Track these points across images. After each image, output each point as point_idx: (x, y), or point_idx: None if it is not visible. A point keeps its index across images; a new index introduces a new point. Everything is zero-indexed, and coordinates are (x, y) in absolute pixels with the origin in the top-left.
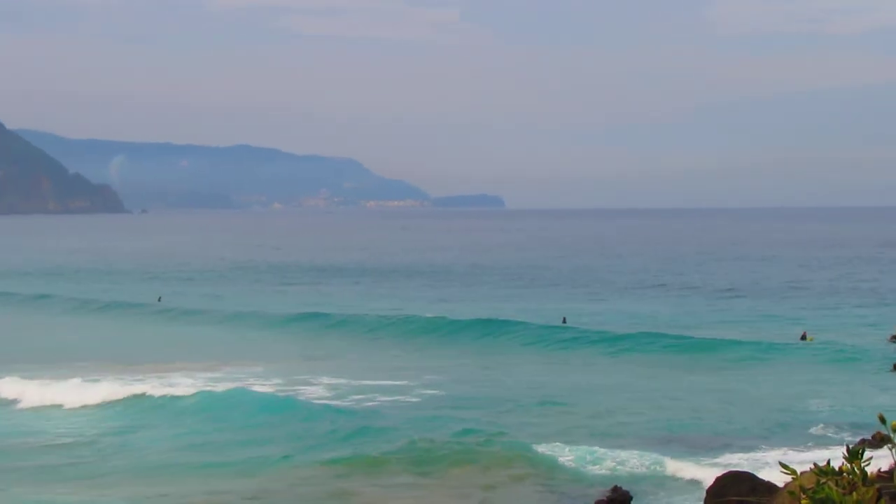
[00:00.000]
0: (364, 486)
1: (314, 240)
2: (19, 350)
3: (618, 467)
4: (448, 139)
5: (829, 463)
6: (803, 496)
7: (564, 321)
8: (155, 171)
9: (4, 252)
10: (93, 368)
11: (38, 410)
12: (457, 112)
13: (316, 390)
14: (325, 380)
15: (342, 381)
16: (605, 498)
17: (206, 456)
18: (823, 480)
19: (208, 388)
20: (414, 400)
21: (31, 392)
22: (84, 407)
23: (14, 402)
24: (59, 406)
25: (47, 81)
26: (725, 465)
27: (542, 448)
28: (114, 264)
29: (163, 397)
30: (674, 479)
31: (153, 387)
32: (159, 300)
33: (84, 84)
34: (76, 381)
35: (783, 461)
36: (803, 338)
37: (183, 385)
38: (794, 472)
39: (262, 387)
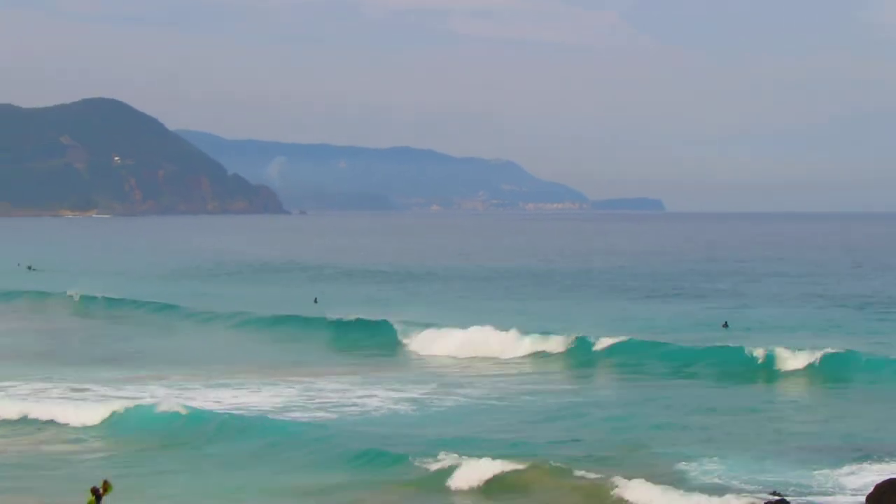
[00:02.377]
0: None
1: (472, 242)
2: (160, 357)
3: (772, 476)
4: (607, 141)
5: None
6: None
7: (726, 325)
8: (313, 172)
9: (172, 251)
10: (234, 372)
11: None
12: (616, 114)
13: (469, 392)
14: (472, 391)
15: (480, 392)
16: (762, 503)
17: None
18: None
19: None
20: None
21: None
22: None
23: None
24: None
25: (207, 83)
26: (889, 473)
27: (686, 459)
28: (273, 263)
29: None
30: (833, 486)
31: (298, 394)
32: (315, 301)
33: (243, 85)
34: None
35: None
36: None
37: (326, 391)
38: None
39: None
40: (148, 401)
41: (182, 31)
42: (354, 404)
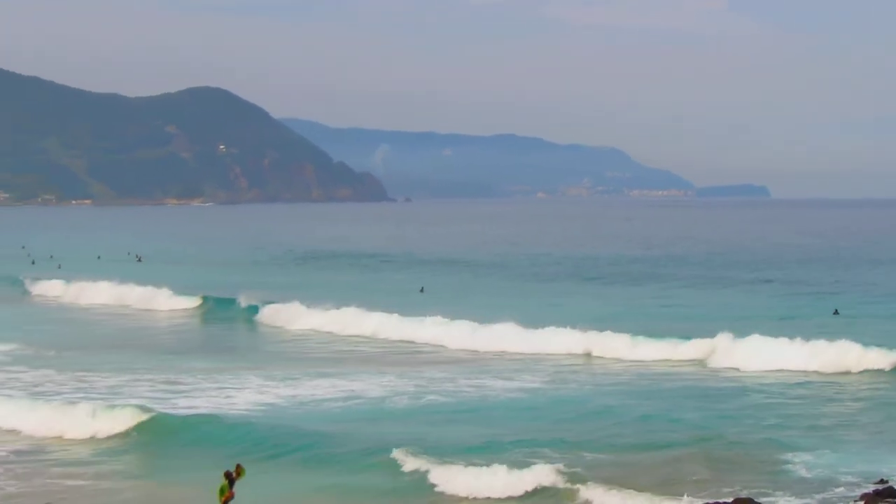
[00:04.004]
0: None
1: (579, 229)
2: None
3: (878, 465)
4: (713, 128)
5: None
6: None
7: (836, 312)
8: (418, 160)
9: (274, 239)
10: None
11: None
12: (722, 100)
13: (582, 384)
14: (582, 385)
15: (593, 387)
16: (871, 492)
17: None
18: None
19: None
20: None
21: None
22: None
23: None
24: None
25: (311, 71)
26: None
27: (793, 451)
28: (377, 252)
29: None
30: None
31: (405, 383)
32: (422, 291)
33: (348, 73)
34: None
35: None
36: None
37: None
38: None
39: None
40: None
41: (286, 20)
42: (457, 393)
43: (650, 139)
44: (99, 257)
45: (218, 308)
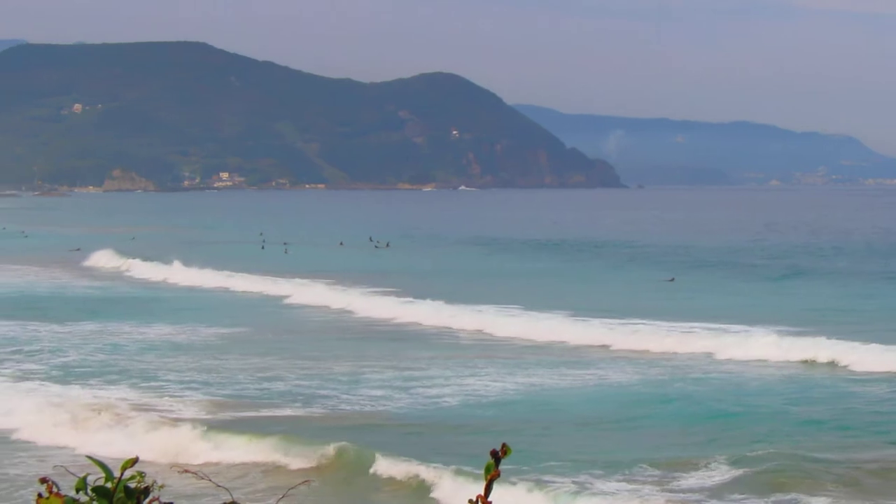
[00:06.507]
0: None
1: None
2: None
3: None
4: None
5: None
6: None
7: None
8: (650, 146)
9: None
10: None
11: None
12: None
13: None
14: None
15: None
16: None
17: None
18: None
19: None
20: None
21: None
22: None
23: None
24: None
25: (543, 58)
26: None
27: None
28: (635, 238)
29: None
30: None
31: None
32: (671, 280)
33: (579, 61)
34: None
35: None
36: None
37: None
38: None
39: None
40: None
41: (517, 5)
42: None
43: (887, 126)
44: (341, 243)
45: None
